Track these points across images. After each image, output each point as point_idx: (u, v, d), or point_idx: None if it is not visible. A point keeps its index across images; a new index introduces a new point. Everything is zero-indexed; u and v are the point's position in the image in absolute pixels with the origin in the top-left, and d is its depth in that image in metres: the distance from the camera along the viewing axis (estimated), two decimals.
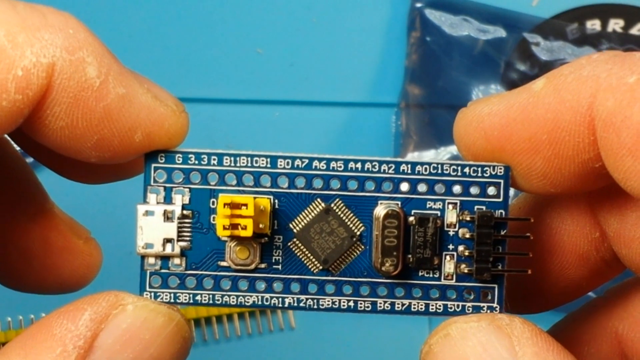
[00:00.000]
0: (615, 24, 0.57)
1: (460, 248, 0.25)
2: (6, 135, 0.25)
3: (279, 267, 0.25)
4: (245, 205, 0.23)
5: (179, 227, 0.24)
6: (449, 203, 0.25)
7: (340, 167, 0.25)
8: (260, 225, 0.24)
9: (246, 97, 0.55)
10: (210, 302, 0.25)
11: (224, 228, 0.24)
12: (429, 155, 0.54)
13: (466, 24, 0.57)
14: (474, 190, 0.25)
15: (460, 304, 0.25)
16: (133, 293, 0.24)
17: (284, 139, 0.55)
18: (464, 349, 0.23)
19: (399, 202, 0.25)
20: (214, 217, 0.24)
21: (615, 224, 0.26)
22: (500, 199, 0.25)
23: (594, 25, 0.57)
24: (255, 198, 0.24)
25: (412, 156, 0.55)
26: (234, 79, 0.55)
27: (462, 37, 0.56)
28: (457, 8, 0.57)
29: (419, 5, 0.57)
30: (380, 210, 0.25)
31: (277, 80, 0.55)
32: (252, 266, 0.25)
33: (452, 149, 0.54)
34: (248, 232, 0.24)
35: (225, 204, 0.23)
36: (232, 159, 0.25)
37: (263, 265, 0.25)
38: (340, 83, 0.56)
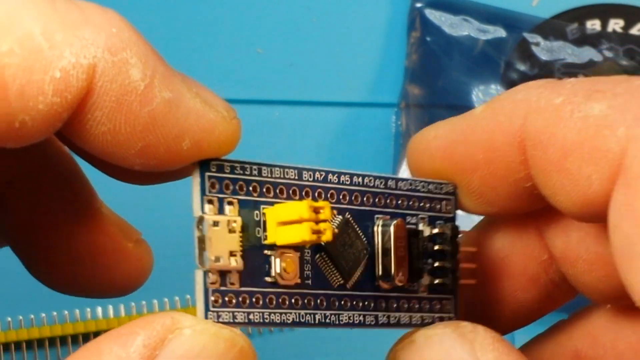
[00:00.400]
0: (615, 24, 0.57)
1: (430, 261, 0.26)
2: None
3: (310, 282, 0.24)
4: (323, 208, 0.23)
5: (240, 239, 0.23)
6: (421, 218, 0.26)
7: (347, 180, 0.25)
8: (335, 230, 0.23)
9: (246, 97, 0.55)
10: (260, 321, 0.23)
11: (313, 232, 0.22)
12: None
13: (466, 24, 0.57)
14: (435, 205, 0.26)
15: (432, 314, 0.26)
16: (185, 307, 0.22)
17: (284, 138, 0.55)
18: (429, 355, 0.24)
19: (389, 217, 0.25)
20: (258, 230, 0.23)
21: (561, 245, 0.26)
22: (451, 215, 0.26)
23: (594, 25, 0.57)
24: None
25: None
26: (234, 79, 0.55)
27: (462, 37, 0.56)
28: (457, 8, 0.57)
29: (419, 5, 0.57)
30: (389, 223, 0.25)
31: (277, 80, 0.55)
32: (293, 281, 0.23)
33: None
34: (328, 236, 0.23)
35: (310, 207, 0.22)
36: (269, 169, 0.23)
37: (299, 281, 0.23)
38: (340, 83, 0.56)
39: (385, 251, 0.25)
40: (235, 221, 0.22)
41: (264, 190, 0.23)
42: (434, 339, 0.24)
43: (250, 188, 0.23)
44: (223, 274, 0.22)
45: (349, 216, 0.25)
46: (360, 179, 0.25)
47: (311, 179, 0.24)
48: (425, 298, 0.26)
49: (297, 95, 0.55)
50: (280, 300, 0.23)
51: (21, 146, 0.21)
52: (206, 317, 0.22)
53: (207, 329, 0.21)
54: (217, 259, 0.22)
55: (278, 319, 0.23)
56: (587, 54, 0.56)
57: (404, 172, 0.53)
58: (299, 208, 0.22)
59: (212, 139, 0.22)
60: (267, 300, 0.23)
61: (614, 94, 0.23)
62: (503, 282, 0.27)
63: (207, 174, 0.22)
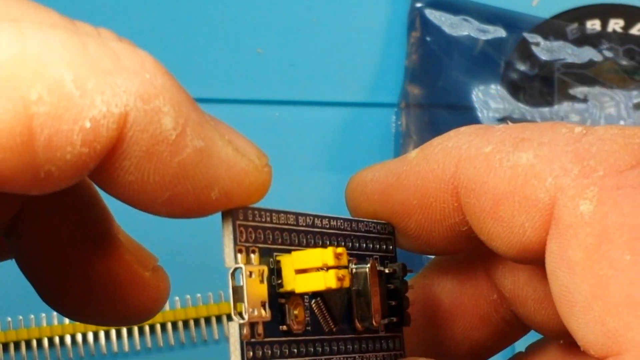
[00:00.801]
0: (615, 24, 0.57)
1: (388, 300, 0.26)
2: None
3: (309, 328, 0.24)
4: (341, 255, 0.23)
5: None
6: (374, 258, 0.26)
7: (326, 224, 0.25)
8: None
9: (246, 97, 0.55)
10: None
11: (338, 279, 0.22)
12: None
13: (466, 24, 0.57)
14: (382, 245, 0.26)
15: (393, 352, 0.26)
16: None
17: (284, 139, 0.55)
18: None
19: (355, 259, 0.25)
20: (274, 278, 0.23)
21: (509, 285, 0.27)
22: (393, 254, 0.27)
23: (594, 25, 0.57)
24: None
25: None
26: (234, 79, 0.55)
27: (462, 37, 0.56)
28: (457, 8, 0.57)
29: (419, 5, 0.57)
30: (357, 265, 0.25)
31: (277, 80, 0.55)
32: (302, 329, 0.23)
33: None
34: (347, 283, 0.23)
35: (336, 254, 0.22)
36: (295, 217, 0.23)
37: (304, 328, 0.23)
38: (340, 83, 0.56)
39: (359, 292, 0.25)
40: (263, 270, 0.22)
41: (276, 237, 0.23)
42: None
43: (265, 235, 0.23)
44: (252, 325, 0.22)
45: None
46: (334, 222, 0.25)
47: (320, 225, 0.24)
48: (384, 337, 0.26)
49: (297, 95, 0.55)
50: (292, 348, 0.23)
51: (45, 193, 0.20)
52: None
53: None
54: (253, 311, 0.21)
55: None
56: (587, 54, 0.56)
57: None
58: (325, 255, 0.22)
59: (242, 189, 0.21)
60: (282, 349, 0.23)
61: (540, 142, 0.23)
62: (456, 322, 0.28)
63: (238, 222, 0.22)
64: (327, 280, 0.22)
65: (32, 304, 0.48)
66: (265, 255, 0.23)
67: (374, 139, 0.55)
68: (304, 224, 0.24)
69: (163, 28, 0.55)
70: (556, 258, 0.22)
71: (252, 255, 0.22)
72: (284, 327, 0.23)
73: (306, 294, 0.23)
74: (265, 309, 0.22)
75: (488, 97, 0.56)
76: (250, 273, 0.22)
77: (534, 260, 0.24)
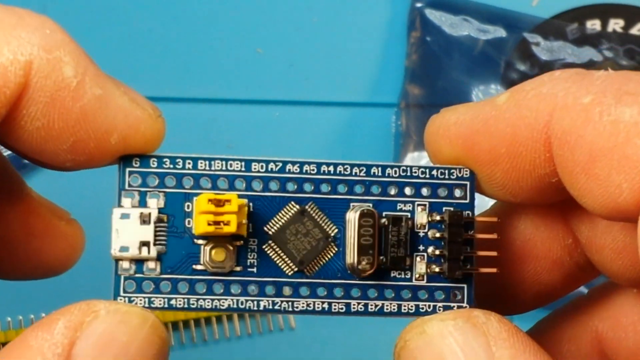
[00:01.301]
0: (615, 24, 0.57)
1: (431, 249, 0.25)
2: None
3: (254, 270, 0.25)
4: (229, 201, 0.23)
5: (155, 230, 0.24)
6: (418, 205, 0.25)
7: (313, 170, 0.25)
8: (243, 221, 0.24)
9: (246, 97, 0.55)
10: (186, 306, 0.24)
11: (208, 224, 0.23)
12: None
13: (466, 24, 0.57)
14: (442, 192, 0.25)
15: (432, 304, 0.25)
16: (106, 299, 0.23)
17: (284, 139, 0.55)
18: (441, 347, 0.23)
19: (371, 205, 0.25)
20: (189, 221, 0.24)
21: (587, 232, 0.26)
22: (467, 201, 0.25)
23: (594, 25, 0.57)
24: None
25: (412, 156, 0.55)
26: (234, 79, 0.55)
27: (462, 37, 0.56)
28: (457, 8, 0.57)
29: (419, 5, 0.57)
30: (354, 211, 0.25)
31: (277, 80, 0.55)
32: (228, 269, 0.24)
33: None
34: (232, 228, 0.23)
35: (209, 200, 0.23)
36: (207, 162, 0.25)
37: (238, 269, 0.25)
38: (340, 83, 0.56)
39: (352, 237, 0.25)
40: (149, 213, 0.24)
41: (200, 182, 0.24)
42: (444, 330, 0.23)
43: (183, 181, 0.24)
44: (140, 262, 0.24)
45: (310, 205, 0.25)
46: (331, 168, 0.25)
47: (263, 170, 0.25)
48: (422, 287, 0.25)
49: (297, 95, 0.55)
50: (213, 287, 0.24)
51: None
52: (115, 300, 0.24)
53: (119, 308, 0.23)
54: (123, 249, 0.24)
55: (209, 305, 0.24)
56: (587, 54, 0.56)
57: None
58: (200, 201, 0.23)
59: (139, 135, 0.23)
60: (196, 286, 0.24)
61: None
62: (526, 265, 0.27)
63: (129, 169, 0.24)
64: (201, 225, 0.23)
65: (32, 304, 0.48)
66: (181, 199, 0.24)
67: (374, 139, 0.55)
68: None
69: (163, 28, 0.55)
70: None
71: (153, 200, 0.24)
72: (199, 267, 0.24)
73: (207, 236, 0.24)
74: (149, 249, 0.24)
75: (488, 97, 0.56)
76: (123, 215, 0.24)
77: (625, 220, 0.23)
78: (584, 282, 0.28)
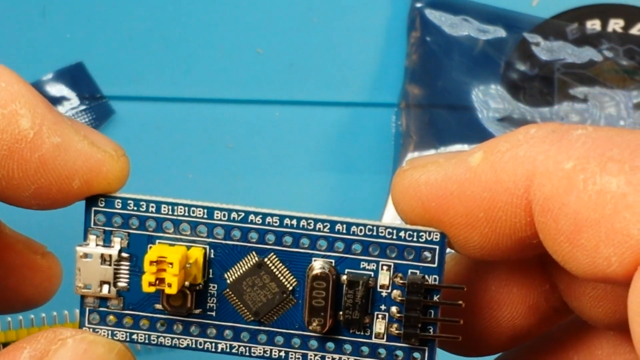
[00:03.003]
0: (615, 24, 0.57)
1: (393, 309, 0.25)
2: None
3: (213, 313, 0.25)
4: (171, 264, 0.24)
5: (115, 271, 0.25)
6: (383, 265, 0.25)
7: (275, 222, 0.25)
8: (192, 278, 0.24)
9: (246, 97, 0.55)
10: (147, 341, 0.25)
11: (150, 284, 0.24)
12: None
13: (466, 24, 0.57)
14: (408, 254, 0.25)
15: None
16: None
17: (284, 139, 0.55)
18: None
19: (333, 261, 0.25)
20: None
21: (565, 279, 0.25)
22: (435, 265, 0.24)
23: (594, 25, 0.57)
24: (188, 249, 0.24)
25: (412, 156, 0.55)
26: (234, 79, 0.55)
27: (462, 37, 0.56)
28: (457, 8, 0.57)
29: (419, 5, 0.57)
30: (312, 269, 0.25)
31: (277, 80, 0.55)
32: (185, 313, 0.25)
33: (453, 150, 0.54)
34: (172, 290, 0.24)
35: (151, 262, 0.24)
36: (170, 207, 0.25)
37: (197, 311, 0.25)
38: (340, 83, 0.56)
39: (306, 297, 0.25)
40: (110, 255, 0.25)
41: (163, 226, 0.25)
42: None
43: (146, 223, 0.25)
44: (103, 298, 0.25)
45: (270, 257, 0.25)
46: (294, 222, 0.25)
47: (225, 219, 0.25)
48: (382, 345, 0.25)
49: (297, 95, 0.55)
50: (173, 326, 0.25)
51: None
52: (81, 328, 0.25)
53: (86, 337, 0.24)
54: (86, 287, 0.25)
55: (169, 342, 0.25)
56: (587, 54, 0.56)
57: None
58: (145, 259, 0.24)
59: (101, 177, 0.24)
60: (158, 324, 0.25)
61: (632, 167, 0.21)
62: (501, 310, 0.26)
63: (94, 208, 0.25)
64: (143, 285, 0.24)
65: None
66: (144, 241, 0.25)
67: (374, 139, 0.55)
68: (183, 214, 0.25)
69: (163, 28, 0.55)
70: None
71: (117, 239, 0.25)
72: (159, 306, 0.25)
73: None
74: (110, 288, 0.25)
75: (488, 97, 0.56)
76: (85, 254, 0.25)
77: (611, 284, 0.22)
78: (559, 322, 0.27)
